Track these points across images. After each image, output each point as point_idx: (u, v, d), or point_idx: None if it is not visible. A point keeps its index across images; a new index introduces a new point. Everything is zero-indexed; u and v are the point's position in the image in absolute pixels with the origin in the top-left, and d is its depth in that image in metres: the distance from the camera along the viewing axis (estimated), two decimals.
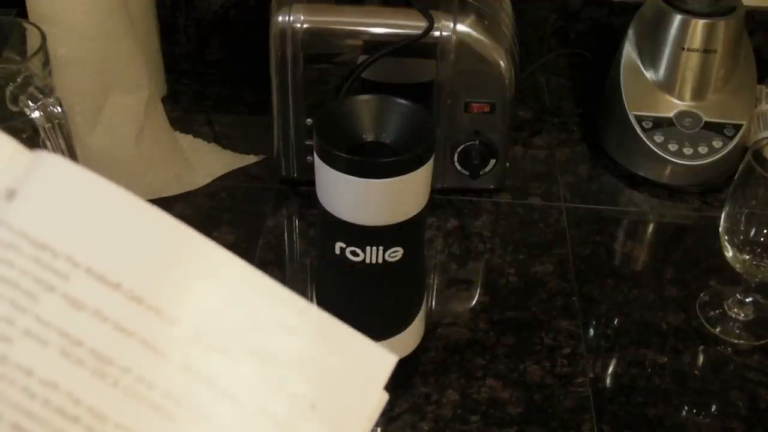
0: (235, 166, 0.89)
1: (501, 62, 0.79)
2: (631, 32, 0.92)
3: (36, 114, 0.64)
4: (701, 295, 0.77)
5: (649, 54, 0.90)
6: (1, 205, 0.28)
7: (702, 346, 0.73)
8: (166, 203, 0.84)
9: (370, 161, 0.55)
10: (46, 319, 0.27)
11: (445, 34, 0.77)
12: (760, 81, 0.93)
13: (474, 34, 0.78)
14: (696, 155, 0.87)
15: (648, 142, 0.88)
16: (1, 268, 0.27)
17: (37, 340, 0.27)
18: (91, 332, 0.27)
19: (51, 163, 0.28)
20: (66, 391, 0.26)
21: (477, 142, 0.83)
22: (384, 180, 0.55)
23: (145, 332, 0.27)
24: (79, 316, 0.27)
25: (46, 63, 0.67)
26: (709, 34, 0.87)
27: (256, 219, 0.84)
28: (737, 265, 0.72)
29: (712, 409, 0.68)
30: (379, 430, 0.65)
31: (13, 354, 0.27)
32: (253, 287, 0.29)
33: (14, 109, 0.64)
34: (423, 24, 0.77)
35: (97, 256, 0.27)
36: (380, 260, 0.59)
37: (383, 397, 0.29)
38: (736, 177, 0.70)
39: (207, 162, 0.89)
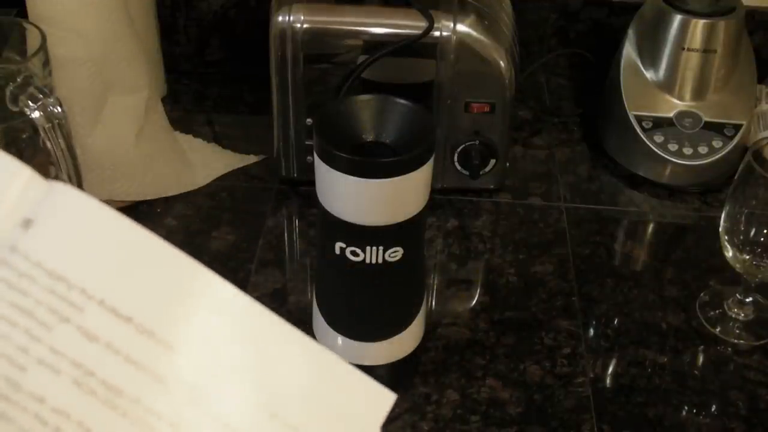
0: (235, 166, 0.89)
1: (501, 62, 0.79)
2: (631, 32, 0.92)
3: (36, 114, 0.64)
4: (701, 295, 0.77)
5: (649, 54, 0.90)
6: (17, 234, 0.29)
7: (702, 346, 0.73)
8: (166, 203, 0.84)
9: (370, 161, 0.55)
10: (60, 349, 0.28)
11: (445, 34, 0.77)
12: (760, 81, 0.93)
13: (474, 34, 0.78)
14: (696, 155, 0.87)
15: (648, 142, 0.88)
16: (17, 297, 0.28)
17: (51, 369, 0.28)
18: (102, 363, 0.28)
19: (65, 193, 0.29)
20: (77, 420, 0.27)
21: (477, 142, 0.83)
22: (384, 180, 0.55)
23: (155, 365, 0.28)
24: (91, 347, 0.28)
25: (46, 63, 0.67)
26: (709, 34, 0.87)
27: (256, 219, 0.84)
28: (737, 265, 0.72)
29: (712, 409, 0.68)
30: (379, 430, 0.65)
31: (26, 382, 0.27)
32: (259, 323, 0.30)
33: (14, 109, 0.64)
34: (423, 24, 0.77)
35: (109, 289, 0.28)
36: (380, 260, 0.59)
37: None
38: (736, 177, 0.70)
39: (207, 162, 0.89)
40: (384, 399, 0.30)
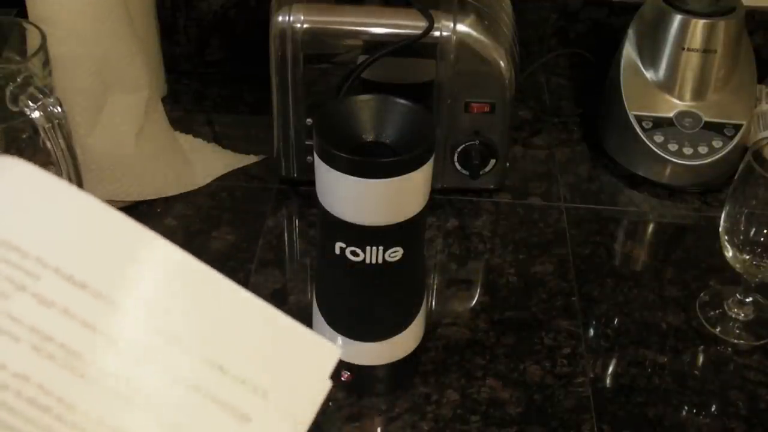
0: (235, 166, 0.89)
1: (501, 62, 0.79)
2: (631, 32, 0.92)
3: (36, 114, 0.64)
4: (701, 295, 0.77)
5: (649, 54, 0.90)
6: None
7: (702, 346, 0.73)
8: (166, 203, 0.84)
9: (370, 161, 0.55)
10: (18, 316, 0.29)
11: (445, 34, 0.77)
12: (760, 81, 0.93)
13: (474, 34, 0.78)
14: (696, 155, 0.87)
15: (648, 142, 0.88)
16: None
17: (10, 336, 0.29)
18: (60, 328, 0.29)
19: (14, 166, 0.30)
20: (37, 383, 0.28)
21: (477, 142, 0.83)
22: (384, 180, 0.55)
23: (109, 327, 0.29)
24: (48, 313, 0.29)
25: (46, 63, 0.67)
26: (709, 34, 0.87)
27: (256, 219, 0.84)
28: (737, 265, 0.72)
29: (712, 409, 0.68)
30: (379, 430, 0.65)
31: None
32: (207, 283, 0.31)
33: (14, 109, 0.64)
34: (423, 24, 0.77)
35: (63, 257, 0.30)
36: (380, 260, 0.59)
37: (328, 386, 0.32)
38: (736, 177, 0.70)
39: (207, 162, 0.89)
40: (330, 352, 0.32)
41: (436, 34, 0.77)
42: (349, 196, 0.56)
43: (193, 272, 0.31)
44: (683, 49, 0.87)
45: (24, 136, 0.69)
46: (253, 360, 0.31)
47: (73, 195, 0.31)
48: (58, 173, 0.68)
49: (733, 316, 0.75)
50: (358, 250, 0.58)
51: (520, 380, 0.69)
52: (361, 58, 0.78)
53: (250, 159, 0.90)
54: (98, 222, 0.31)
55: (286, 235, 0.83)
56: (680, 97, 0.89)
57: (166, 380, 0.30)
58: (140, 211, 0.83)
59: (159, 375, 0.30)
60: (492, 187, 0.87)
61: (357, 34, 0.78)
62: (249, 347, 0.31)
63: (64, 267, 0.30)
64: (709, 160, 0.87)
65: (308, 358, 0.32)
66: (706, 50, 0.87)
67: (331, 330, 0.64)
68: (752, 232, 0.70)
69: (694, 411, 0.68)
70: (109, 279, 0.30)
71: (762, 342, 0.73)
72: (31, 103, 0.63)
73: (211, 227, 0.82)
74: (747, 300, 0.75)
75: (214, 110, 0.99)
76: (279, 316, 0.32)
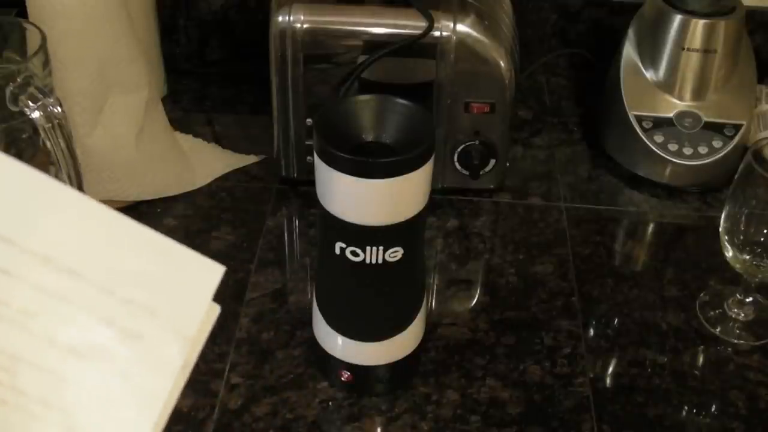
0: (235, 166, 0.89)
1: (501, 62, 0.79)
2: (631, 32, 0.92)
3: (36, 114, 0.64)
4: (701, 295, 0.77)
5: (649, 54, 0.90)
6: None
7: (702, 346, 0.73)
8: (166, 203, 0.84)
9: (370, 161, 0.55)
10: None
11: (445, 34, 0.77)
12: (760, 81, 0.93)
13: (474, 34, 0.78)
14: (696, 155, 0.87)
15: (648, 142, 0.88)
16: None
17: None
18: None
19: None
20: None
21: (477, 142, 0.83)
22: (384, 180, 0.55)
23: (25, 273, 0.33)
24: None
25: (46, 63, 0.67)
26: (709, 34, 0.87)
27: (256, 219, 0.84)
28: (737, 265, 0.72)
29: (712, 409, 0.68)
30: (379, 430, 0.65)
31: None
32: (99, 220, 0.35)
33: (14, 109, 0.64)
34: (423, 24, 0.77)
35: None
36: (380, 260, 0.59)
37: (215, 308, 0.35)
38: (736, 177, 0.70)
39: (207, 162, 0.89)
40: (213, 271, 0.35)
41: (436, 34, 0.77)
42: (349, 196, 0.56)
43: (87, 211, 0.34)
44: (683, 49, 0.87)
45: (24, 136, 0.69)
46: (140, 282, 0.34)
47: None
48: (58, 173, 0.68)
49: (733, 316, 0.75)
50: (358, 250, 0.58)
51: (520, 380, 0.69)
52: (361, 58, 0.78)
53: (250, 159, 0.90)
54: (6, 179, 0.34)
55: (286, 235, 0.83)
56: (680, 97, 0.89)
57: (66, 309, 0.33)
58: (140, 211, 0.83)
59: (57, 304, 0.33)
60: (492, 187, 0.87)
61: (357, 34, 0.78)
62: (135, 270, 0.34)
63: None
64: (709, 160, 0.87)
65: (193, 278, 0.35)
66: (706, 50, 0.87)
67: (331, 330, 0.64)
68: (752, 232, 0.70)
69: (694, 411, 0.68)
70: (20, 228, 0.33)
71: (762, 342, 0.73)
72: (31, 103, 0.63)
73: (211, 227, 0.82)
74: (747, 300, 0.75)
75: (214, 110, 0.99)
76: (163, 240, 0.35)
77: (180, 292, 0.35)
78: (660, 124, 0.88)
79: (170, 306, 0.34)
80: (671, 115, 0.89)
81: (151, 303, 0.34)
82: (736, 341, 0.73)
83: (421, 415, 0.66)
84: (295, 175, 0.86)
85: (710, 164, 0.87)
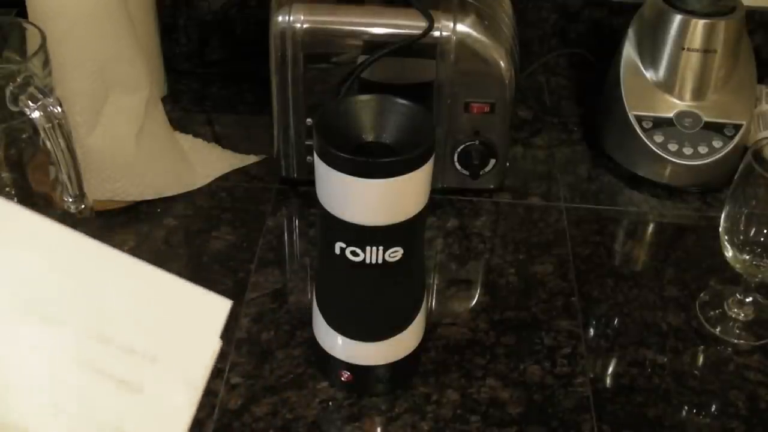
0: (235, 166, 0.89)
1: (501, 62, 0.79)
2: (631, 32, 0.92)
3: (36, 114, 0.64)
4: (701, 295, 0.77)
5: (649, 54, 0.90)
6: None
7: (702, 346, 0.73)
8: (166, 203, 0.84)
9: (370, 161, 0.55)
10: None
11: (445, 34, 0.77)
12: (760, 81, 0.93)
13: (474, 34, 0.78)
14: (696, 155, 0.87)
15: (648, 142, 0.88)
16: None
17: None
18: None
19: None
20: None
21: (477, 142, 0.83)
22: (384, 180, 0.55)
23: None
24: None
25: (46, 63, 0.67)
26: (709, 34, 0.87)
27: (256, 219, 0.84)
28: (737, 265, 0.72)
29: (712, 409, 0.68)
30: (379, 430, 0.65)
31: None
32: (77, 252, 0.30)
33: (14, 109, 0.64)
34: (423, 24, 0.77)
35: None
36: (380, 260, 0.59)
37: (218, 344, 0.31)
38: (736, 177, 0.70)
39: (207, 162, 0.89)
40: (220, 306, 0.30)
41: (436, 34, 0.77)
42: (349, 196, 0.56)
43: (62, 242, 0.30)
44: (683, 49, 0.87)
45: (24, 136, 0.69)
46: (137, 325, 0.30)
47: None
48: (58, 173, 0.68)
49: (733, 316, 0.75)
50: (358, 250, 0.58)
51: (520, 380, 0.69)
52: (361, 58, 0.78)
53: (250, 159, 0.90)
54: None
55: (286, 235, 0.83)
56: (680, 97, 0.89)
57: (47, 360, 0.29)
58: (140, 211, 0.83)
59: (37, 356, 0.29)
60: (492, 187, 0.87)
61: (357, 34, 0.78)
62: (132, 312, 0.30)
63: None
64: (709, 160, 0.87)
65: (196, 315, 0.30)
66: (706, 50, 0.87)
67: (331, 330, 0.64)
68: (752, 232, 0.70)
69: (694, 411, 0.68)
70: None
71: (762, 342, 0.73)
72: (31, 103, 0.63)
73: (211, 227, 0.82)
74: (747, 300, 0.75)
75: (214, 110, 0.99)
76: (161, 275, 0.30)
77: (182, 333, 0.30)
78: (660, 124, 0.88)
79: (172, 350, 0.30)
80: (671, 115, 0.89)
81: (150, 348, 0.30)
82: (736, 341, 0.73)
83: (421, 415, 0.66)
84: (295, 175, 0.86)
85: (710, 164, 0.87)
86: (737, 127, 0.88)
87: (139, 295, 0.30)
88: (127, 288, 0.30)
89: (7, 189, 0.73)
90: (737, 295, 0.75)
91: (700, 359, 0.72)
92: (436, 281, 0.78)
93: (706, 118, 0.88)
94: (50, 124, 0.64)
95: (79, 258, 0.30)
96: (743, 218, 0.70)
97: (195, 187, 0.86)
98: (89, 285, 0.30)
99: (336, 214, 0.57)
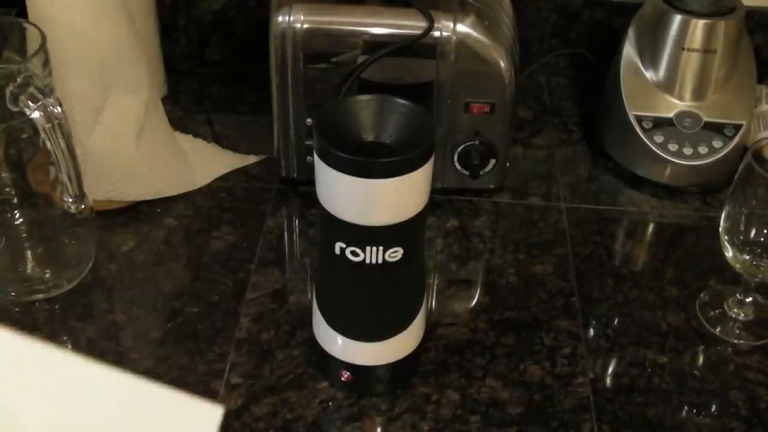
0: (235, 166, 0.89)
1: (501, 62, 0.79)
2: (631, 32, 0.92)
3: (36, 114, 0.64)
4: (701, 295, 0.77)
5: (649, 54, 0.90)
6: None
7: (702, 346, 0.73)
8: (166, 203, 0.84)
9: (370, 161, 0.55)
10: None
11: (445, 34, 0.77)
12: (760, 81, 0.93)
13: (474, 34, 0.78)
14: (696, 155, 0.87)
15: (648, 142, 0.88)
16: None
17: None
18: None
19: None
20: None
21: (477, 142, 0.83)
22: (384, 180, 0.55)
23: None
24: None
25: (46, 63, 0.67)
26: (709, 34, 0.87)
27: (256, 219, 0.84)
28: (737, 265, 0.72)
29: (712, 409, 0.68)
30: (379, 430, 0.65)
31: None
32: (62, 371, 0.28)
33: (14, 109, 0.64)
34: (423, 24, 0.77)
35: None
36: (380, 260, 0.59)
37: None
38: (736, 177, 0.70)
39: (207, 162, 0.89)
40: (211, 414, 0.29)
41: (436, 34, 0.77)
42: (349, 196, 0.56)
43: (42, 361, 0.28)
44: (683, 49, 0.87)
45: (24, 136, 0.69)
46: None
47: None
48: (58, 173, 0.68)
49: (733, 316, 0.75)
50: (358, 250, 0.58)
51: (520, 380, 0.69)
52: (361, 58, 0.78)
53: (250, 159, 0.90)
54: None
55: (286, 235, 0.83)
56: (680, 97, 0.89)
57: None
58: (140, 211, 0.83)
59: None
60: (492, 187, 0.87)
61: (357, 34, 0.78)
62: (118, 428, 0.28)
63: None
64: (709, 160, 0.87)
65: (187, 426, 0.28)
66: (706, 50, 0.87)
67: (331, 330, 0.64)
68: (752, 233, 0.70)
69: (694, 411, 0.68)
70: None
71: (762, 342, 0.73)
72: (31, 103, 0.63)
73: (211, 227, 0.82)
74: (747, 300, 0.75)
75: (214, 110, 0.99)
76: (146, 386, 0.29)
77: None
78: (660, 124, 0.88)
79: None
80: (671, 115, 0.89)
81: None
82: (736, 341, 0.73)
83: (421, 415, 0.66)
84: (295, 175, 0.86)
85: (710, 164, 0.87)
86: (737, 127, 0.88)
87: (126, 408, 0.28)
88: (113, 403, 0.28)
89: (7, 189, 0.73)
90: (737, 295, 0.75)
91: (700, 359, 0.72)
92: (436, 281, 0.78)
93: (706, 118, 0.88)
94: (50, 124, 0.64)
95: (53, 372, 0.28)
96: (743, 218, 0.70)
97: (195, 187, 0.86)
98: (69, 402, 0.28)
99: (336, 214, 0.57)
